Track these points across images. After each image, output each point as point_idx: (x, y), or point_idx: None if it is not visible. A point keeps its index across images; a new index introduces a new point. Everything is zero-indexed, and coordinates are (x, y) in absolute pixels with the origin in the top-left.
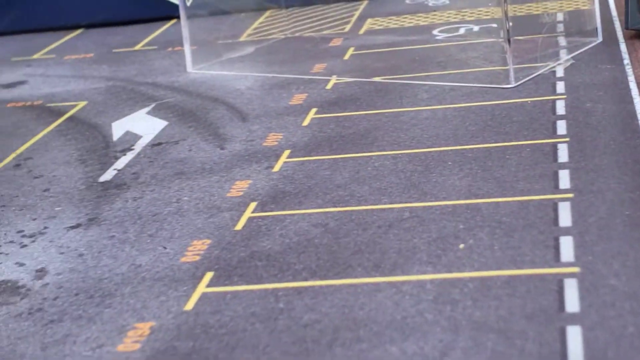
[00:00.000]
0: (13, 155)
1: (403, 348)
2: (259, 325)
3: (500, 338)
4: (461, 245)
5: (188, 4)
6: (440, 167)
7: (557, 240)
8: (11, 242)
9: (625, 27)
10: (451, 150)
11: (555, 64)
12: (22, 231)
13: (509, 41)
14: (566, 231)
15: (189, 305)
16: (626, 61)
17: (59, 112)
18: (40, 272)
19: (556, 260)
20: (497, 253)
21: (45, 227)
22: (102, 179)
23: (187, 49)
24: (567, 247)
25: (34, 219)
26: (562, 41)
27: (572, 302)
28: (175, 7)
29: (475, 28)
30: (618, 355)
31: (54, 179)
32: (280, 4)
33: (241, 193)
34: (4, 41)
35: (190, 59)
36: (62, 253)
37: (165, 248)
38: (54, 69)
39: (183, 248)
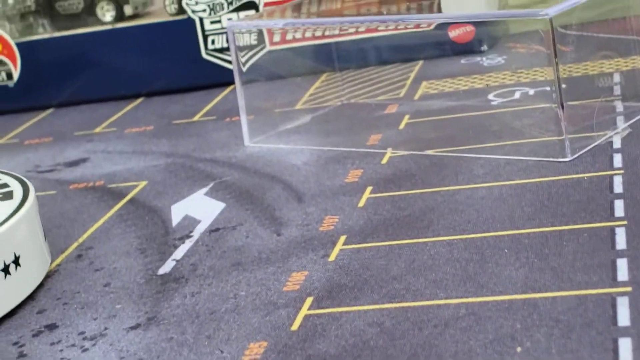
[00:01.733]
0: (75, 244)
1: None
2: None
3: None
4: (518, 349)
5: (244, 69)
6: (496, 255)
7: (615, 342)
8: (72, 345)
9: None
10: (507, 235)
11: (612, 133)
12: (84, 333)
13: (562, 107)
14: (625, 331)
15: None
16: None
17: (120, 194)
18: None
19: None
20: (555, 357)
21: (106, 328)
22: (161, 271)
23: (244, 122)
24: (625, 350)
25: (95, 319)
26: (619, 106)
27: None
28: (230, 73)
29: (531, 92)
30: None
31: (115, 272)
32: (334, 68)
33: (297, 287)
34: (67, 112)
35: (247, 131)
36: (122, 358)
37: (222, 352)
38: (115, 144)
39: (240, 352)
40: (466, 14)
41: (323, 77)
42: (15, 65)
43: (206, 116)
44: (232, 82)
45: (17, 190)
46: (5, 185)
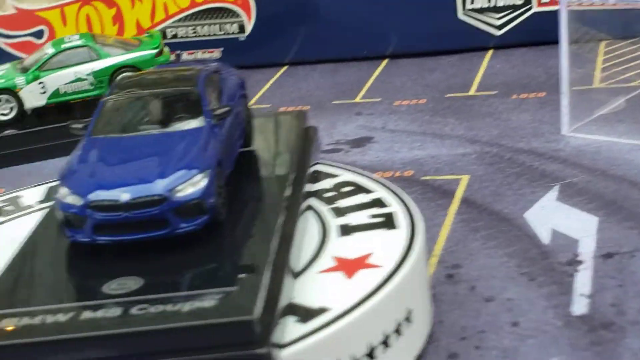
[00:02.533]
0: (434, 259)
1: None
2: None
3: None
4: None
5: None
6: None
7: None
8: None
9: None
10: None
11: None
12: None
13: None
14: None
15: None
16: None
17: (444, 192)
18: None
19: None
20: None
21: None
22: (577, 310)
23: (564, 107)
24: None
25: None
26: None
27: None
28: (487, 36)
29: None
30: None
31: (514, 306)
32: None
33: None
34: (306, 73)
35: (567, 118)
36: None
37: None
38: (391, 120)
39: None
40: None
41: (602, 46)
42: (249, 17)
43: (483, 90)
44: (488, 48)
45: (398, 211)
46: (380, 202)
